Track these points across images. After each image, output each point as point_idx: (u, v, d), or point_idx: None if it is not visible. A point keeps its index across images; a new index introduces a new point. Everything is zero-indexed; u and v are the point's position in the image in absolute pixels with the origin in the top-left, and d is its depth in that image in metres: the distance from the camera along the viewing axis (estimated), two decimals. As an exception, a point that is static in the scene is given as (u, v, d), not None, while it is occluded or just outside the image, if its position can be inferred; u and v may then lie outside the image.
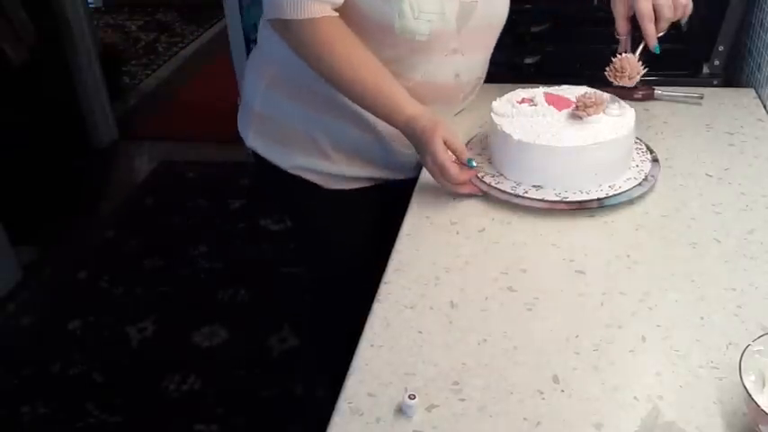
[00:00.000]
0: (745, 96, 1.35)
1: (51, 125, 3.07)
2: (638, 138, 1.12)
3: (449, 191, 1.07)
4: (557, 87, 1.16)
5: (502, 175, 1.08)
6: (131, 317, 2.31)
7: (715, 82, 1.42)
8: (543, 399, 0.74)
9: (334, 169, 1.22)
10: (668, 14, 1.07)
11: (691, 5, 1.08)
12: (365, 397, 0.75)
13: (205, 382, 2.05)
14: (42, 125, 2.99)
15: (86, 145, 3.35)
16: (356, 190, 1.26)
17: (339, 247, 1.35)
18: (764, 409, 0.63)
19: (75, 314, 2.34)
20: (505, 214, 1.04)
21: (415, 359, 0.79)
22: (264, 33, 1.21)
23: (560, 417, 0.72)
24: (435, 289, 0.90)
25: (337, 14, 1.02)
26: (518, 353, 0.80)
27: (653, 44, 1.09)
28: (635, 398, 0.73)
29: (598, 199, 1.02)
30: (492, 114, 1.10)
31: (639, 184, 1.05)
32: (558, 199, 1.02)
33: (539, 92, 1.14)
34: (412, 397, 0.72)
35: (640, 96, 1.32)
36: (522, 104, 1.10)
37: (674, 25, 1.10)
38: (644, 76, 1.11)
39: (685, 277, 0.89)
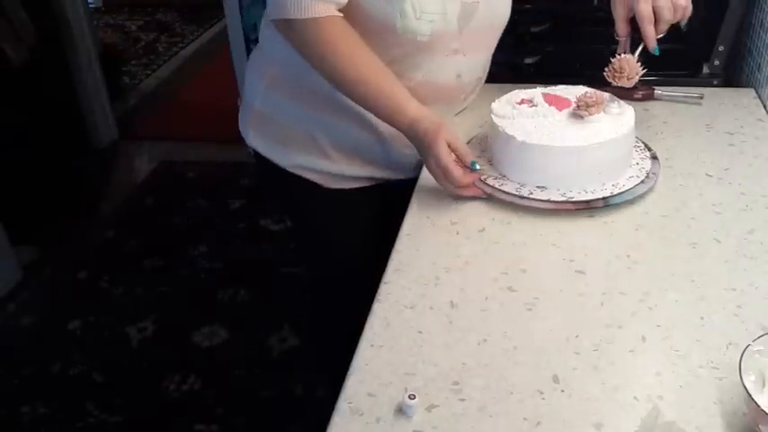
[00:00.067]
0: (745, 96, 1.35)
1: (51, 125, 3.07)
2: (636, 136, 1.13)
3: (451, 193, 1.06)
4: (553, 87, 1.16)
5: (504, 176, 1.08)
6: (131, 317, 2.31)
7: (715, 82, 1.42)
8: (543, 399, 0.74)
9: (335, 168, 1.22)
10: (668, 17, 1.07)
11: (690, 8, 1.08)
12: (365, 397, 0.75)
13: (205, 382, 2.05)
14: (42, 125, 2.99)
15: (86, 145, 3.35)
16: (356, 189, 1.26)
17: (339, 247, 1.35)
18: (764, 409, 0.63)
19: (75, 314, 2.34)
20: (505, 214, 1.04)
21: (415, 359, 0.79)
22: (266, 33, 1.21)
23: (560, 417, 0.72)
24: (435, 289, 0.90)
25: (341, 15, 1.02)
26: (518, 353, 0.80)
27: (652, 46, 1.09)
28: (635, 398, 0.73)
29: (603, 198, 1.02)
30: (492, 116, 1.10)
31: (642, 182, 1.05)
32: (563, 199, 1.02)
33: (537, 92, 1.14)
34: (412, 397, 0.72)
35: (640, 96, 1.32)
36: (522, 105, 1.10)
37: (674, 27, 1.10)
38: (644, 75, 1.12)
39: (685, 277, 0.89)
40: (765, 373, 0.68)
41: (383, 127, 1.12)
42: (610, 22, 1.15)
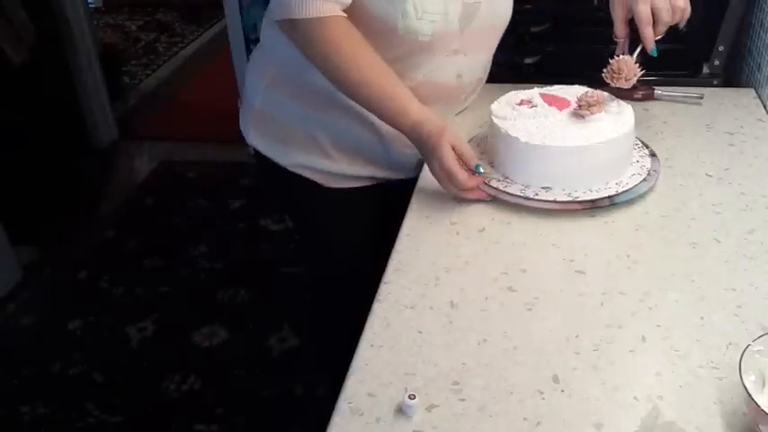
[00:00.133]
0: (745, 96, 1.35)
1: (51, 125, 3.07)
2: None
3: (455, 196, 1.06)
4: (549, 87, 1.16)
5: (507, 178, 1.08)
6: (131, 317, 2.31)
7: (715, 82, 1.42)
8: (543, 399, 0.74)
9: (335, 168, 1.22)
10: (666, 18, 1.07)
11: (689, 10, 1.09)
12: (365, 397, 0.75)
13: (205, 382, 2.05)
14: (42, 125, 2.99)
15: (86, 145, 3.35)
16: (356, 189, 1.26)
17: (339, 247, 1.35)
18: (764, 409, 0.63)
19: (75, 314, 2.34)
20: (505, 214, 1.04)
21: (415, 359, 0.79)
22: (267, 33, 1.21)
23: (560, 417, 0.72)
24: (435, 289, 0.90)
25: (345, 15, 1.02)
26: (518, 353, 0.80)
27: (650, 47, 1.09)
28: (635, 398, 0.73)
29: (609, 197, 1.02)
30: (493, 118, 1.09)
31: (644, 180, 1.05)
32: (569, 199, 1.02)
33: (535, 93, 1.14)
34: (412, 397, 0.72)
35: (640, 96, 1.32)
36: (522, 106, 1.10)
37: (672, 29, 1.10)
38: (644, 76, 1.12)
39: (685, 277, 0.90)
40: (765, 373, 0.68)
41: (384, 127, 1.12)
42: (609, 22, 1.15)
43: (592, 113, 1.06)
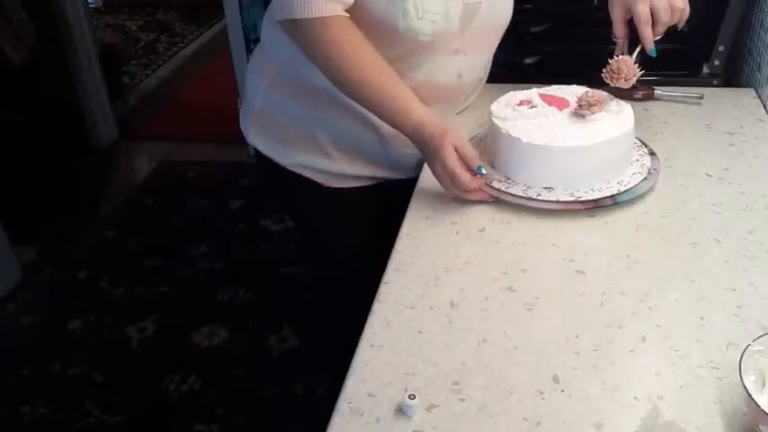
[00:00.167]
0: (745, 96, 1.35)
1: (51, 125, 3.07)
2: None
3: (458, 198, 1.05)
4: (547, 87, 1.16)
5: (509, 179, 1.07)
6: (131, 317, 2.31)
7: (715, 82, 1.42)
8: (543, 399, 0.74)
9: (335, 168, 1.22)
10: (665, 18, 1.07)
11: (688, 10, 1.09)
12: (365, 397, 0.75)
13: (205, 382, 2.05)
14: (42, 125, 2.99)
15: (86, 145, 3.35)
16: (356, 189, 1.26)
17: (339, 247, 1.35)
18: (764, 409, 0.63)
19: (76, 314, 2.34)
20: (505, 214, 1.04)
21: (415, 359, 0.79)
22: (268, 32, 1.21)
23: (560, 417, 0.72)
24: (435, 289, 0.90)
25: (348, 15, 1.02)
26: (518, 353, 0.80)
27: (650, 47, 1.09)
28: (635, 398, 0.73)
29: (611, 196, 1.02)
30: (493, 119, 1.09)
31: (645, 178, 1.06)
32: (572, 199, 1.02)
33: (533, 93, 1.14)
34: (412, 397, 0.72)
35: (640, 96, 1.32)
36: (522, 107, 1.10)
37: (671, 29, 1.10)
38: (644, 76, 1.12)
39: (685, 277, 0.90)
40: (765, 373, 0.68)
41: (384, 126, 1.12)
42: (609, 22, 1.15)
43: (593, 113, 1.06)
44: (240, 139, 1.28)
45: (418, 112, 1.03)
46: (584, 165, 1.04)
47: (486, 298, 0.88)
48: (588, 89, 1.11)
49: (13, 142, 2.79)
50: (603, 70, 1.12)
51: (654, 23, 1.08)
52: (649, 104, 1.33)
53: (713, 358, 0.77)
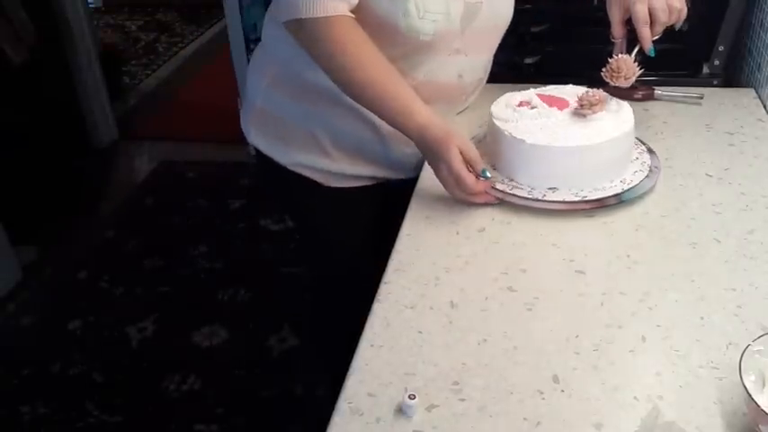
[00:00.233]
0: (745, 96, 1.35)
1: (51, 125, 3.07)
2: None
3: (462, 201, 1.05)
4: (544, 88, 1.16)
5: (513, 180, 1.07)
6: (131, 317, 2.31)
7: (715, 82, 1.42)
8: (543, 399, 0.74)
9: (335, 167, 1.22)
10: (663, 18, 1.07)
11: (685, 10, 1.09)
12: (365, 397, 0.75)
13: (205, 382, 2.05)
14: (42, 125, 2.99)
15: (86, 145, 3.35)
16: (357, 188, 1.26)
17: (339, 246, 1.35)
18: (764, 409, 0.63)
19: (75, 314, 2.34)
20: (505, 214, 1.04)
21: (415, 359, 0.79)
22: (269, 32, 1.21)
23: (560, 417, 0.72)
24: (435, 289, 0.90)
25: (352, 15, 1.02)
26: (518, 353, 0.80)
27: (648, 47, 1.09)
28: (635, 398, 0.73)
29: (615, 195, 1.02)
30: (494, 120, 1.09)
31: (648, 176, 1.06)
32: (577, 199, 1.02)
33: (532, 94, 1.14)
34: (412, 397, 0.72)
35: (640, 96, 1.32)
36: (522, 108, 1.10)
37: (669, 29, 1.10)
38: (644, 76, 1.12)
39: (685, 277, 0.90)
40: (765, 373, 0.68)
41: (384, 126, 1.12)
42: (608, 23, 1.15)
43: (594, 113, 1.06)
44: (240, 139, 1.28)
45: (421, 113, 1.03)
46: (588, 164, 1.04)
47: (486, 298, 0.88)
48: (585, 89, 1.11)
49: (13, 142, 2.79)
50: (603, 69, 1.12)
51: (652, 23, 1.08)
52: (649, 104, 1.33)
53: (713, 358, 0.77)
